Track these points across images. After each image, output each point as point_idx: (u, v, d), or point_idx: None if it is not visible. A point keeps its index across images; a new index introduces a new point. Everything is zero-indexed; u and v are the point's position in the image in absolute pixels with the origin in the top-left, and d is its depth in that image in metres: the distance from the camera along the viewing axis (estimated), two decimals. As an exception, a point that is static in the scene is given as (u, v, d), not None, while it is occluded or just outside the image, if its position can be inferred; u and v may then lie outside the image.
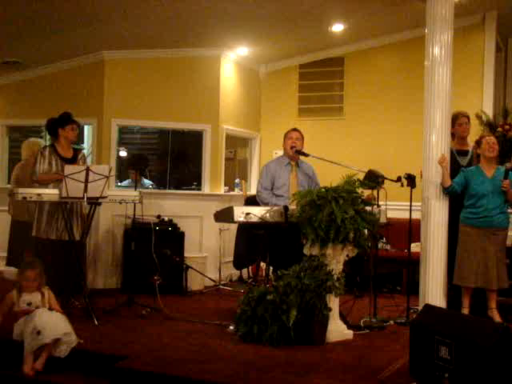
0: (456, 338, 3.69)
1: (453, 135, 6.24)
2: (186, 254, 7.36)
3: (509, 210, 5.76)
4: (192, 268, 7.25)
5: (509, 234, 5.84)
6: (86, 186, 5.48)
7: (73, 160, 5.99)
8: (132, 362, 4.29)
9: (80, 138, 8.18)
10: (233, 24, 7.29)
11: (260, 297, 4.93)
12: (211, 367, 4.21)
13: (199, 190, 8.28)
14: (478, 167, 5.79)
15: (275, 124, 8.66)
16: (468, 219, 5.69)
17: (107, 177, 5.63)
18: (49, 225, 5.82)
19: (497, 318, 5.57)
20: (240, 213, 5.28)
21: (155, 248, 6.48)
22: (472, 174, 5.74)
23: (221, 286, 7.57)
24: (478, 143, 5.81)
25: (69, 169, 5.52)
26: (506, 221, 5.68)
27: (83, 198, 5.52)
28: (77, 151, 6.16)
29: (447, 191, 5.78)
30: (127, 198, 6.08)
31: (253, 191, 8.43)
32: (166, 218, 7.36)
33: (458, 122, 6.23)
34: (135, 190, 6.52)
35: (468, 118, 6.31)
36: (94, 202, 5.77)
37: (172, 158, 8.59)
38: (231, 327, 5.20)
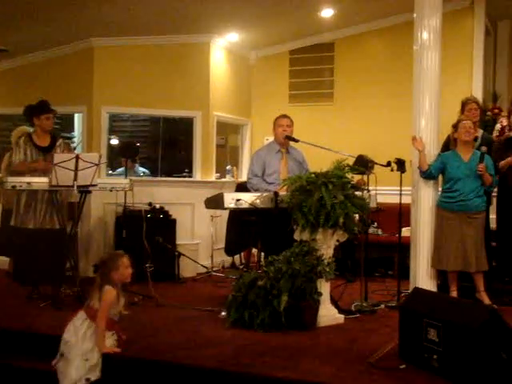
0: (444, 320, 3.73)
1: None
2: (177, 242, 7.37)
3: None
4: (184, 255, 7.26)
5: (491, 216, 5.87)
6: (75, 174, 5.48)
7: (49, 148, 5.93)
8: (124, 349, 4.30)
9: (70, 127, 8.18)
10: (222, 10, 7.25)
11: (251, 283, 4.95)
12: (203, 353, 4.24)
13: (190, 177, 8.29)
14: (455, 151, 5.79)
15: (266, 110, 8.64)
16: (445, 203, 5.72)
17: (97, 165, 5.64)
18: (26, 214, 5.80)
19: (486, 300, 5.61)
20: (230, 199, 5.30)
21: (147, 236, 6.48)
22: (449, 158, 5.76)
23: (213, 273, 7.59)
24: (455, 127, 5.82)
25: (58, 157, 5.51)
26: (482, 204, 5.69)
27: (73, 186, 5.52)
28: (56, 139, 6.08)
29: (424, 175, 5.80)
30: (117, 185, 6.08)
31: (244, 178, 8.42)
32: (158, 206, 7.36)
33: (467, 107, 6.24)
34: (126, 177, 6.51)
35: (477, 103, 6.32)
36: (85, 191, 5.77)
37: (163, 146, 8.57)
38: (223, 313, 5.21)
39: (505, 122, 6.37)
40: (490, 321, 3.56)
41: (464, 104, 6.25)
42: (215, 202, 5.50)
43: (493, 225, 6.21)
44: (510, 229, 5.98)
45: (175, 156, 8.95)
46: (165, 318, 5.30)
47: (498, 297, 5.83)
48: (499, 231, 6.17)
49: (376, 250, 7.11)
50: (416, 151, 5.85)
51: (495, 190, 6.13)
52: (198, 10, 7.13)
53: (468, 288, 5.79)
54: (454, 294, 5.72)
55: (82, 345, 4.06)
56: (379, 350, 4.26)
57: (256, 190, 5.77)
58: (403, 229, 6.48)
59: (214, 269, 7.73)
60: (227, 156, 9.33)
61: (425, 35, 5.80)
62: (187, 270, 7.41)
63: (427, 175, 5.79)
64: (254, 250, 6.78)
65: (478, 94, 7.74)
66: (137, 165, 8.30)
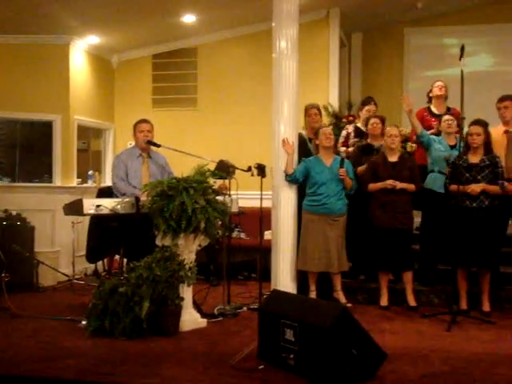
0: (299, 320, 3.87)
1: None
2: (36, 249, 7.12)
3: None
4: (43, 263, 7.02)
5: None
6: None
7: None
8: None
9: None
10: (81, 11, 7.08)
11: (112, 290, 4.88)
12: (61, 364, 4.12)
13: (50, 182, 8.01)
14: (317, 157, 6.06)
15: (129, 115, 8.43)
16: (310, 206, 5.96)
17: None
18: None
19: (342, 299, 5.90)
20: (90, 205, 5.21)
21: (2, 244, 6.20)
22: (312, 164, 6.01)
23: (75, 281, 7.38)
24: (316, 134, 6.09)
25: None
26: (344, 207, 6.00)
27: None
28: None
29: (290, 179, 6.01)
30: (-32, 192, 5.79)
31: (107, 183, 8.28)
32: (15, 213, 7.06)
33: (307, 113, 6.58)
34: (-22, 183, 6.19)
35: (317, 108, 6.64)
36: None
37: (21, 150, 8.21)
38: (83, 322, 5.09)
39: (350, 129, 6.73)
40: (342, 320, 3.73)
41: (306, 109, 6.59)
42: (74, 208, 5.37)
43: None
44: (364, 230, 6.27)
45: (34, 161, 8.59)
46: (21, 330, 5.08)
47: (352, 295, 6.14)
48: (353, 233, 6.46)
49: (239, 253, 7.21)
50: (277, 156, 6.04)
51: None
52: (54, 10, 6.91)
53: (326, 288, 6.04)
54: (314, 294, 5.95)
55: None
56: (240, 352, 4.34)
57: (123, 195, 5.68)
58: (266, 232, 6.63)
59: (76, 277, 7.52)
60: (90, 161, 9.10)
61: (283, 44, 6.00)
62: (47, 278, 7.18)
63: (292, 179, 5.99)
64: (118, 257, 6.67)
65: (334, 102, 8.14)
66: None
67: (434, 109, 6.66)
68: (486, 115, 5.85)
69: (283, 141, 6.00)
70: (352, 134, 6.68)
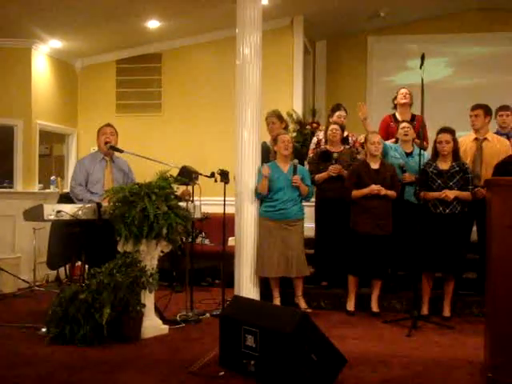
0: (260, 326, 3.88)
1: None
2: (-5, 256, 7.02)
3: (303, 203, 6.15)
4: (3, 270, 6.91)
5: (305, 225, 6.20)
6: None
7: None
8: None
9: None
10: (43, 15, 7.01)
11: (72, 296, 4.83)
12: (18, 372, 4.06)
13: (11, 187, 7.89)
14: (275, 163, 6.08)
15: (93, 120, 8.39)
16: (266, 212, 5.98)
17: None
18: None
19: (303, 304, 5.92)
20: (51, 211, 5.13)
21: (-40, 250, 6.09)
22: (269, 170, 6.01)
23: (36, 288, 7.29)
24: (275, 141, 6.12)
25: None
26: (301, 212, 6.03)
27: None
28: None
29: (259, 197, 6.03)
30: None
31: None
32: (-27, 219, 6.96)
33: (266, 121, 6.57)
34: None
35: (277, 117, 6.63)
36: None
37: (-20, 155, 8.10)
38: (43, 329, 5.02)
39: (321, 136, 6.74)
40: (302, 325, 3.74)
41: (266, 118, 6.59)
42: (34, 214, 5.28)
43: (310, 233, 6.53)
44: (327, 237, 6.31)
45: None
46: (-23, 339, 5.00)
47: (316, 301, 6.17)
48: (317, 239, 6.50)
49: (203, 259, 7.17)
50: (240, 162, 6.05)
51: (313, 199, 6.47)
52: (15, 13, 6.83)
53: (287, 294, 6.05)
54: (278, 300, 5.96)
55: None
56: (200, 359, 4.33)
57: (80, 200, 5.63)
58: (230, 238, 6.62)
59: (37, 283, 7.42)
60: (52, 166, 9.00)
61: (246, 51, 6.02)
62: (7, 285, 7.06)
63: (263, 197, 6.01)
64: (79, 263, 6.60)
65: (298, 109, 8.19)
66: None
67: (398, 116, 6.71)
68: (444, 123, 5.95)
69: (263, 167, 5.97)
70: (323, 141, 6.68)
